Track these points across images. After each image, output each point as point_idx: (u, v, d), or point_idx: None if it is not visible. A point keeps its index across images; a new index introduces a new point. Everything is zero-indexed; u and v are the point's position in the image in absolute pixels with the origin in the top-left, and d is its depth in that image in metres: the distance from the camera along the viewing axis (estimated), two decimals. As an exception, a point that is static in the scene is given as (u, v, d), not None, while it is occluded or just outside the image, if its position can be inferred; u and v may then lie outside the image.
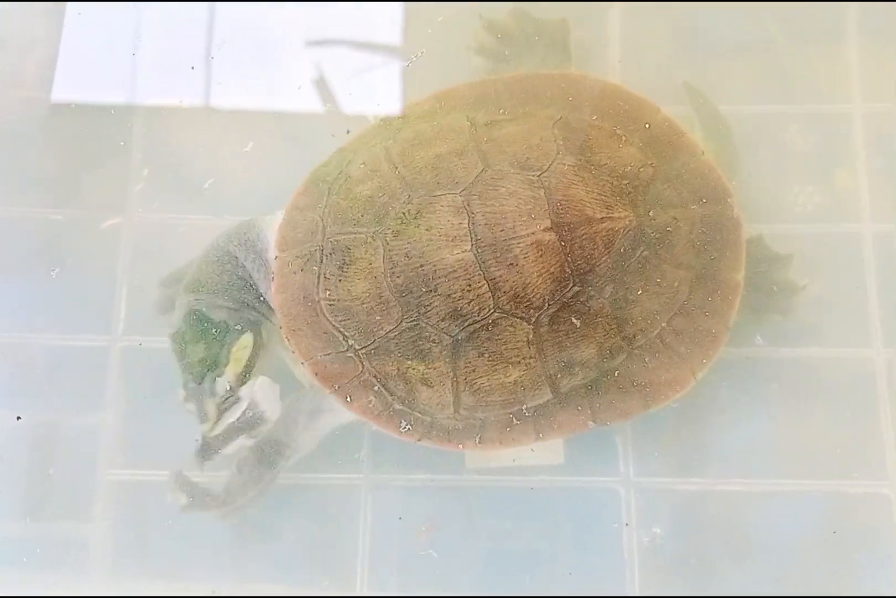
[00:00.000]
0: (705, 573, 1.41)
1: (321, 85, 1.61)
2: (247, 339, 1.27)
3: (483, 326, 1.18)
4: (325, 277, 1.23)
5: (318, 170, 1.33)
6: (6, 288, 1.51)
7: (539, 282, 1.17)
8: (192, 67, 1.60)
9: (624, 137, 1.31)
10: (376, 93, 1.59)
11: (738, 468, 1.44)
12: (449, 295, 1.17)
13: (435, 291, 1.18)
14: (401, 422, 1.25)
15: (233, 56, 1.62)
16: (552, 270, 1.17)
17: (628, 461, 1.45)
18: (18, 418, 1.42)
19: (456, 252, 1.17)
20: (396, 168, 1.26)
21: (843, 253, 1.52)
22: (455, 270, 1.17)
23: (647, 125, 1.34)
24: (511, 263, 1.16)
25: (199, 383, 1.24)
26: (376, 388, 1.23)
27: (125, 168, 1.56)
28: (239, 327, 1.27)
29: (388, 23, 1.64)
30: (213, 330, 1.26)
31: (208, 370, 1.24)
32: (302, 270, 1.24)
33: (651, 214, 1.24)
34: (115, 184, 1.55)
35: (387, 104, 1.56)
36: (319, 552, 1.42)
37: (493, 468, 1.44)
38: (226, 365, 1.24)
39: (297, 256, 1.25)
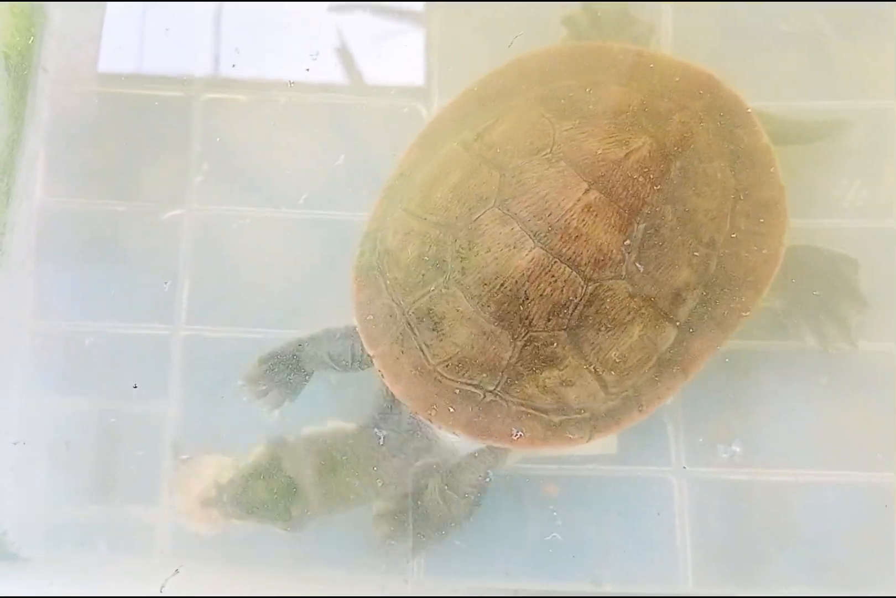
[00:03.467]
0: (754, 560, 1.43)
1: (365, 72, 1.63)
2: None
3: (586, 304, 1.19)
4: (427, 345, 1.23)
5: (358, 262, 1.33)
6: (70, 278, 1.54)
7: (609, 238, 1.18)
8: (233, 65, 1.63)
9: (598, 83, 1.34)
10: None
11: (786, 459, 1.46)
12: (541, 295, 1.18)
13: (527, 299, 1.18)
14: (566, 433, 1.26)
15: (287, 50, 1.65)
16: (613, 221, 1.19)
17: (680, 452, 1.47)
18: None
19: (524, 255, 1.17)
20: (425, 219, 1.26)
21: (891, 248, 1.53)
22: (533, 271, 1.17)
23: (608, 64, 1.37)
24: (577, 236, 1.17)
25: None
26: (529, 414, 1.24)
27: (185, 161, 1.58)
28: None
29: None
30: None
31: None
32: (403, 353, 1.24)
33: (661, 128, 1.27)
34: (175, 176, 1.58)
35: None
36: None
37: (545, 457, 1.46)
38: None
39: (391, 344, 1.25)
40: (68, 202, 1.57)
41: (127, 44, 1.64)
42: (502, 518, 1.44)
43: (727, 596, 1.43)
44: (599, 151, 1.21)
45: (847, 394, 1.48)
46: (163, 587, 1.33)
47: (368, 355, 1.28)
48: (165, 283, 1.51)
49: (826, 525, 1.44)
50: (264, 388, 1.42)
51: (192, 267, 1.53)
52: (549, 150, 1.23)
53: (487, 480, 1.35)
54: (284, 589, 1.40)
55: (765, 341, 1.50)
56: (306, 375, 1.42)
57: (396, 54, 1.65)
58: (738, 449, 1.46)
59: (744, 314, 1.30)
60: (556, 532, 1.43)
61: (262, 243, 1.55)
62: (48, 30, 1.63)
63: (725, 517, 1.45)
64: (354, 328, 1.31)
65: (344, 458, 1.33)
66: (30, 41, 1.60)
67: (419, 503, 1.38)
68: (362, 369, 1.37)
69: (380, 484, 1.34)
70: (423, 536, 1.38)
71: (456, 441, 1.32)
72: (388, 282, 1.27)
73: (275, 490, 1.31)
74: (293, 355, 1.40)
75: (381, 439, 1.33)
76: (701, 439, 1.47)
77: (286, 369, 1.41)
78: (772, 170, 1.33)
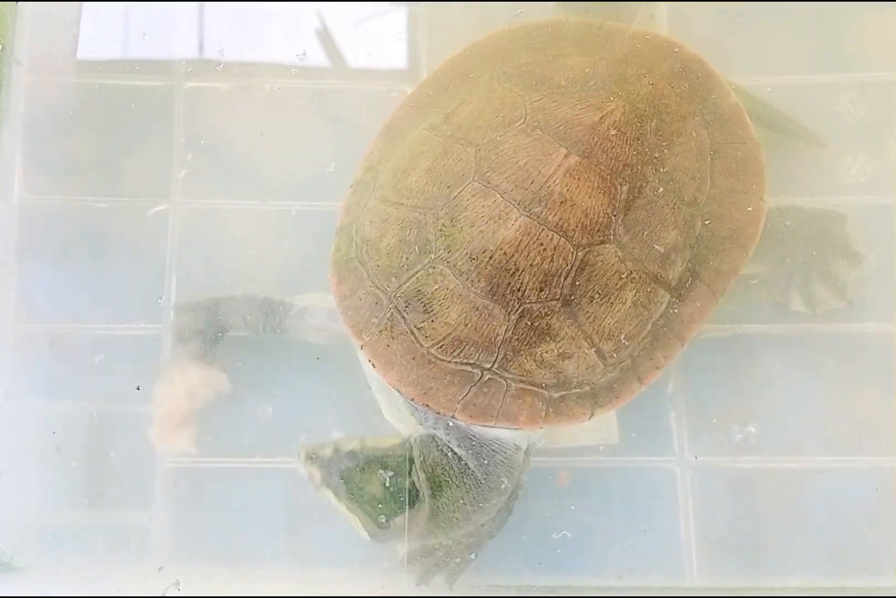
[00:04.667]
0: (760, 549, 1.41)
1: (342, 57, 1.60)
2: None
3: (577, 272, 1.18)
4: (418, 328, 1.20)
5: (335, 257, 1.30)
6: (54, 278, 1.51)
7: (594, 202, 1.18)
8: (220, 51, 1.59)
9: (560, 55, 1.34)
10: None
11: (792, 445, 1.44)
12: (531, 264, 1.16)
13: (518, 270, 1.16)
14: (568, 408, 1.23)
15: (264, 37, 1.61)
16: (596, 185, 1.18)
17: (683, 441, 1.45)
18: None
19: (510, 225, 1.16)
20: (402, 204, 1.24)
21: (897, 224, 1.50)
22: (521, 240, 1.16)
23: (568, 38, 1.37)
24: (561, 202, 1.16)
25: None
26: (529, 390, 1.21)
27: (168, 153, 1.54)
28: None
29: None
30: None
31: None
32: (393, 339, 1.21)
33: (631, 91, 1.27)
34: (159, 169, 1.54)
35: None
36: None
37: (548, 449, 1.43)
38: None
39: (379, 332, 1.22)
40: (49, 199, 1.53)
41: (103, 32, 1.60)
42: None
43: (732, 587, 1.41)
44: (573, 117, 1.21)
45: (854, 378, 1.46)
46: (166, 590, 1.32)
47: (282, 327, 1.33)
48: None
49: (833, 512, 1.42)
50: (185, 335, 1.41)
51: (179, 264, 1.50)
52: (522, 121, 1.23)
53: (516, 488, 1.31)
54: (284, 590, 1.38)
55: (769, 324, 1.48)
56: (219, 330, 1.41)
57: (382, 36, 1.60)
58: (753, 430, 1.44)
59: (733, 275, 1.29)
60: (560, 526, 1.42)
61: (249, 237, 1.52)
62: (20, 20, 1.58)
63: (730, 507, 1.43)
64: (270, 300, 1.35)
65: (448, 478, 1.26)
66: (1, 32, 1.56)
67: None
68: (274, 335, 1.38)
69: (478, 507, 1.27)
70: (458, 557, 1.35)
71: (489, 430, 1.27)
72: (370, 270, 1.24)
73: (393, 489, 1.26)
74: (207, 310, 1.40)
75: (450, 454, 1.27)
76: (704, 428, 1.45)
77: (201, 321, 1.40)
78: (744, 126, 1.34)
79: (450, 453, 1.26)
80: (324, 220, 1.50)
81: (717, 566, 1.41)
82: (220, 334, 1.41)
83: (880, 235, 1.49)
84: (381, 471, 1.27)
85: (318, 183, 1.53)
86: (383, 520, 1.26)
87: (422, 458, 1.27)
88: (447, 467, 1.26)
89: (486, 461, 1.26)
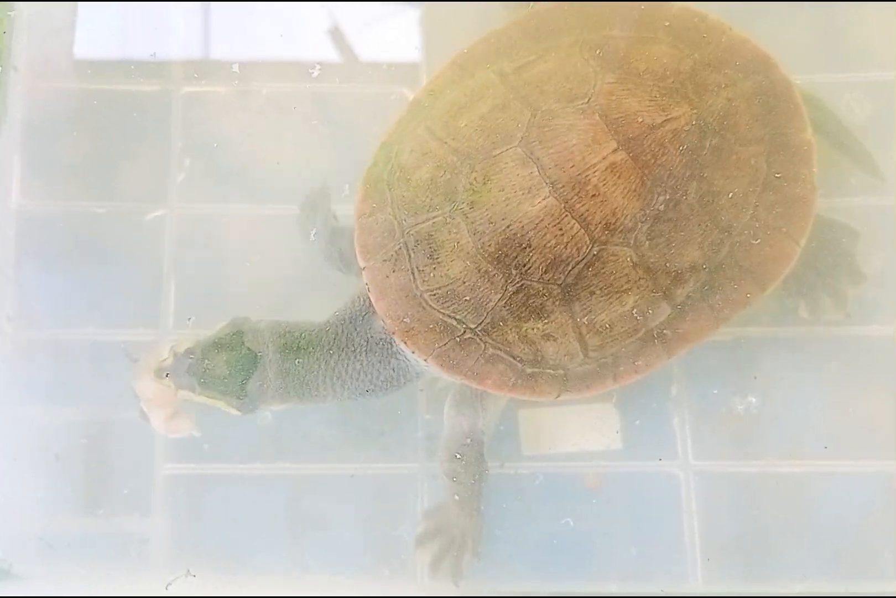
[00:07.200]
0: (764, 553, 1.40)
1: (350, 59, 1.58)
2: None
3: (586, 264, 1.17)
4: (419, 270, 1.21)
5: (369, 172, 1.30)
6: (52, 284, 1.50)
7: (626, 203, 1.16)
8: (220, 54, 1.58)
9: (651, 40, 1.30)
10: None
11: (796, 449, 1.43)
12: (544, 245, 1.16)
13: (530, 247, 1.16)
14: (536, 385, 1.23)
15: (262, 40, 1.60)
16: (634, 187, 1.16)
17: (686, 445, 1.44)
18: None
19: (537, 202, 1.15)
20: (446, 143, 1.24)
21: (903, 226, 1.48)
22: (542, 219, 1.15)
23: (666, 23, 1.32)
24: (594, 194, 1.15)
25: None
26: (504, 359, 1.22)
27: (166, 158, 1.54)
28: None
29: None
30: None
31: None
32: (394, 272, 1.22)
33: (705, 101, 1.23)
34: (157, 174, 1.53)
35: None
36: (377, 541, 1.41)
37: (550, 455, 1.43)
38: None
39: (384, 261, 1.23)
40: (47, 204, 1.53)
41: (100, 36, 1.59)
42: (507, 519, 1.41)
43: (736, 592, 1.40)
44: (636, 112, 1.18)
45: (858, 381, 1.45)
46: (169, 585, 1.33)
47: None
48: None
49: (837, 516, 1.41)
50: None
51: (178, 269, 1.49)
52: (586, 99, 1.21)
53: (477, 439, 1.32)
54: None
55: (773, 327, 1.46)
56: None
57: (381, 40, 1.60)
58: (757, 433, 1.43)
59: (742, 308, 1.27)
60: (563, 530, 1.41)
61: (248, 241, 1.51)
62: (17, 25, 1.58)
63: (734, 511, 1.42)
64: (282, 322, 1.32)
65: (308, 346, 1.30)
66: (-2, 38, 1.56)
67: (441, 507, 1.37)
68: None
69: (339, 383, 1.30)
70: (463, 533, 1.36)
71: (426, 369, 1.30)
72: (395, 198, 1.25)
73: (234, 363, 1.27)
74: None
75: (345, 338, 1.30)
76: (707, 432, 1.44)
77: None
78: (808, 167, 1.29)
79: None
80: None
81: (722, 571, 1.40)
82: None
83: (884, 236, 1.47)
84: (218, 352, 1.27)
85: (316, 186, 1.51)
86: (240, 390, 1.27)
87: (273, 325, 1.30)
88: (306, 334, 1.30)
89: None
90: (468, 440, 1.32)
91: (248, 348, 1.27)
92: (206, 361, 1.26)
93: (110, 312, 1.48)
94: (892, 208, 1.49)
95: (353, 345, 1.30)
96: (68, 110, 1.55)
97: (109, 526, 1.41)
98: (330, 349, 1.30)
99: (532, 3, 1.38)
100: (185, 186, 1.53)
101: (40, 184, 1.53)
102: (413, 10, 1.61)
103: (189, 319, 1.46)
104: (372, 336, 1.30)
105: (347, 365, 1.30)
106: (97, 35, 1.59)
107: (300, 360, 1.29)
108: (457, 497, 1.34)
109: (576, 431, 1.44)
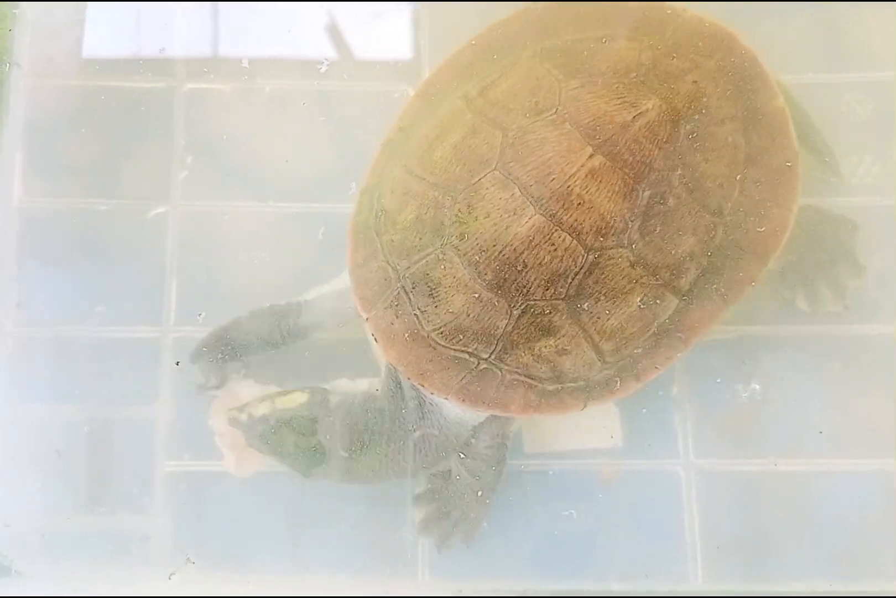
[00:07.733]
0: (765, 552, 1.40)
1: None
2: None
3: (585, 274, 1.17)
4: (422, 311, 1.21)
5: (355, 221, 1.30)
6: (54, 281, 1.50)
7: (612, 206, 1.16)
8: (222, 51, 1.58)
9: (609, 37, 1.30)
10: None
11: (798, 448, 1.43)
12: (540, 263, 1.16)
13: (526, 267, 1.16)
14: (560, 400, 1.24)
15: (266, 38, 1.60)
16: (618, 188, 1.16)
17: (687, 443, 1.44)
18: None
19: (524, 222, 1.15)
20: (424, 179, 1.24)
21: (903, 226, 1.48)
22: (533, 238, 1.15)
23: (622, 17, 1.32)
24: (579, 203, 1.15)
25: None
26: (523, 382, 1.22)
27: (168, 155, 1.53)
28: None
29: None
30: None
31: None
32: (398, 317, 1.22)
33: (672, 89, 1.23)
34: (159, 171, 1.53)
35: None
36: (378, 540, 1.41)
37: (552, 453, 1.43)
38: None
39: (385, 308, 1.23)
40: (49, 202, 1.52)
41: (103, 34, 1.59)
42: (508, 517, 1.41)
43: (737, 591, 1.40)
44: (606, 114, 1.18)
45: (859, 380, 1.45)
46: (172, 575, 1.34)
47: (299, 328, 1.34)
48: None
49: (838, 515, 1.41)
50: (215, 382, 1.40)
51: (180, 267, 1.49)
52: (553, 110, 1.21)
53: (502, 442, 1.33)
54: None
55: (773, 326, 1.46)
56: (240, 356, 1.40)
57: (384, 37, 1.59)
58: (758, 432, 1.44)
59: (748, 285, 1.27)
60: (564, 529, 1.41)
61: (251, 239, 1.51)
62: (20, 23, 1.57)
63: (735, 510, 1.42)
64: (277, 306, 1.35)
65: (372, 438, 1.31)
66: (1, 36, 1.55)
67: (448, 484, 1.37)
68: (294, 342, 1.38)
69: (403, 465, 1.33)
70: (465, 512, 1.37)
71: (459, 411, 1.30)
72: (384, 244, 1.25)
73: (302, 448, 1.30)
74: (219, 344, 1.39)
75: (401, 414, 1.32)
76: (709, 430, 1.44)
77: (221, 360, 1.39)
78: (785, 133, 1.29)
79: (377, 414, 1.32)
80: (325, 221, 1.50)
81: (722, 570, 1.40)
82: (244, 359, 1.41)
83: (885, 236, 1.48)
84: (289, 432, 1.30)
85: (320, 184, 1.52)
86: (305, 472, 1.33)
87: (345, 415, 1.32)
88: (374, 427, 1.31)
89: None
90: (500, 441, 1.33)
91: (318, 442, 1.30)
92: (277, 436, 1.29)
93: (112, 309, 1.47)
94: (893, 208, 1.49)
95: (408, 419, 1.32)
96: (71, 108, 1.55)
97: (110, 524, 1.41)
98: (394, 438, 1.32)
99: (532, 3, 1.38)
100: (188, 184, 1.53)
101: (42, 181, 1.53)
102: (415, 7, 1.61)
103: (200, 314, 1.46)
104: (408, 397, 1.31)
105: (407, 443, 1.32)
106: (100, 33, 1.59)
107: (366, 460, 1.32)
108: (479, 493, 1.35)
109: (577, 429, 1.44)
